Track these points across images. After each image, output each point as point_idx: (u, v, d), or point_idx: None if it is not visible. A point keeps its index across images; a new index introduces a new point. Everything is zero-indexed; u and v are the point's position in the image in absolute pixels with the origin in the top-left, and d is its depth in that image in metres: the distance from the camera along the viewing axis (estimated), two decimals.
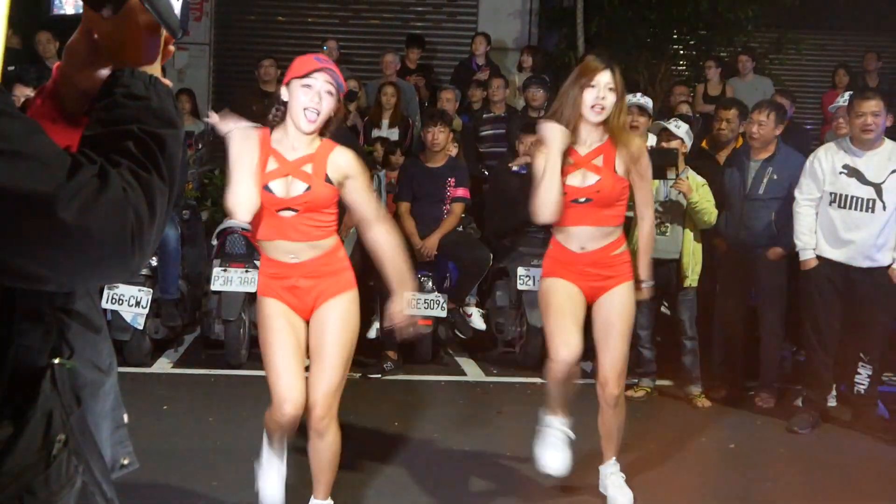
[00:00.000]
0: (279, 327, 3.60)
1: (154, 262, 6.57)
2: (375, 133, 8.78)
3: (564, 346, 4.09)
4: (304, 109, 3.48)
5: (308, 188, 3.53)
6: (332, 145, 3.63)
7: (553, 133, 4.05)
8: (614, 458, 4.43)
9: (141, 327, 6.36)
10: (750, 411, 6.11)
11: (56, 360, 1.51)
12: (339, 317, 3.61)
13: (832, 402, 6.17)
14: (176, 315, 6.72)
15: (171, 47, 1.65)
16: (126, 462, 1.74)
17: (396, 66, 9.85)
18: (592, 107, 4.05)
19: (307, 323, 3.67)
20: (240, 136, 3.52)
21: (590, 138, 4.15)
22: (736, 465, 5.15)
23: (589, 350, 4.32)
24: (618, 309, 4.19)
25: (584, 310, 4.25)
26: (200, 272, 6.98)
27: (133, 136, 1.44)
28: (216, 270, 6.45)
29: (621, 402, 4.31)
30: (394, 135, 8.74)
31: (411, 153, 8.06)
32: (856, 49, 12.09)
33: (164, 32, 1.59)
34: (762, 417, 6.01)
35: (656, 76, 11.33)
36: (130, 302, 6.30)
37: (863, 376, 5.80)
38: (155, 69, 1.58)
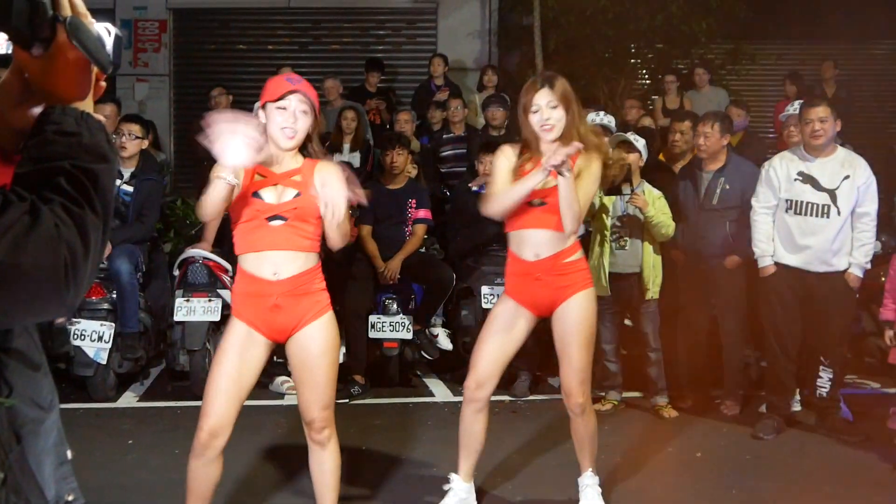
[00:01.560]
0: (231, 354, 3.62)
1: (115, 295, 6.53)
2: (337, 157, 8.78)
3: (474, 369, 4.28)
4: (282, 129, 3.60)
5: (298, 194, 3.61)
6: (316, 161, 3.72)
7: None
8: (591, 469, 4.46)
9: (104, 362, 6.31)
10: (716, 419, 6.17)
11: None
12: (323, 338, 3.67)
13: (797, 407, 6.24)
14: (138, 348, 6.66)
15: (103, 83, 1.67)
16: (70, 498, 1.73)
17: (339, 91, 9.91)
18: (542, 128, 4.10)
19: (279, 343, 3.70)
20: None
21: (550, 151, 4.12)
22: (703, 474, 5.18)
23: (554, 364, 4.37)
24: (575, 319, 4.22)
25: (524, 334, 4.33)
26: (164, 304, 6.93)
27: (65, 172, 1.45)
28: (178, 301, 6.42)
29: (589, 410, 4.35)
30: (355, 159, 8.76)
31: (372, 176, 8.09)
32: (812, 58, 12.27)
33: (95, 68, 1.61)
34: (728, 425, 6.06)
35: (616, 91, 11.44)
36: (93, 337, 6.26)
37: (824, 380, 5.86)
38: (87, 105, 1.59)
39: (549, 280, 4.18)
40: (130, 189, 6.59)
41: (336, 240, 3.62)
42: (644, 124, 8.30)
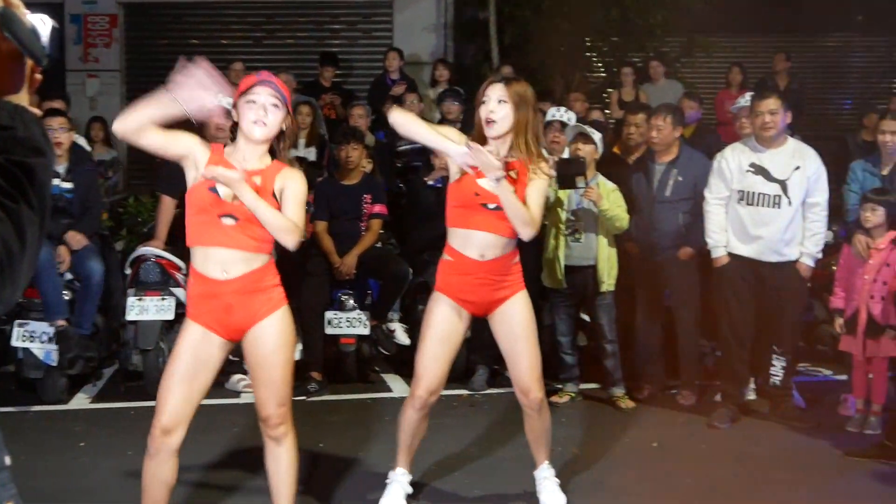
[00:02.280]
0: (185, 355, 3.58)
1: (67, 296, 6.43)
2: (292, 153, 8.73)
3: (424, 377, 4.25)
4: (252, 122, 3.55)
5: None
6: (283, 165, 3.68)
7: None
8: (547, 462, 4.49)
9: (55, 363, 6.21)
10: (672, 409, 6.24)
11: None
12: (277, 334, 3.63)
13: (751, 396, 6.31)
14: (94, 347, 6.58)
15: (38, 75, 1.63)
16: None
17: (293, 86, 9.83)
18: (486, 121, 4.07)
19: (235, 342, 3.67)
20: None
21: (500, 152, 4.10)
22: (659, 464, 5.22)
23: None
24: (519, 318, 4.23)
25: (464, 332, 4.32)
26: (116, 303, 6.83)
27: None
28: (131, 300, 6.32)
29: (545, 405, 4.36)
30: (311, 154, 8.71)
31: (328, 172, 8.05)
32: (764, 50, 12.40)
33: (30, 61, 1.58)
34: (684, 415, 6.12)
35: (571, 85, 11.48)
36: (43, 338, 6.15)
37: (777, 368, 5.93)
38: (21, 98, 1.56)
39: (493, 280, 4.16)
40: (69, 185, 6.48)
41: (282, 239, 3.57)
42: (594, 118, 8.33)
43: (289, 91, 3.70)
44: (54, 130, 6.30)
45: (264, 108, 3.55)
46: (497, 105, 4.05)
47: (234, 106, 3.63)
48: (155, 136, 3.46)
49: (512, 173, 4.07)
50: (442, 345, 4.24)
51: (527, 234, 4.05)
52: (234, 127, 3.66)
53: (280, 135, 3.65)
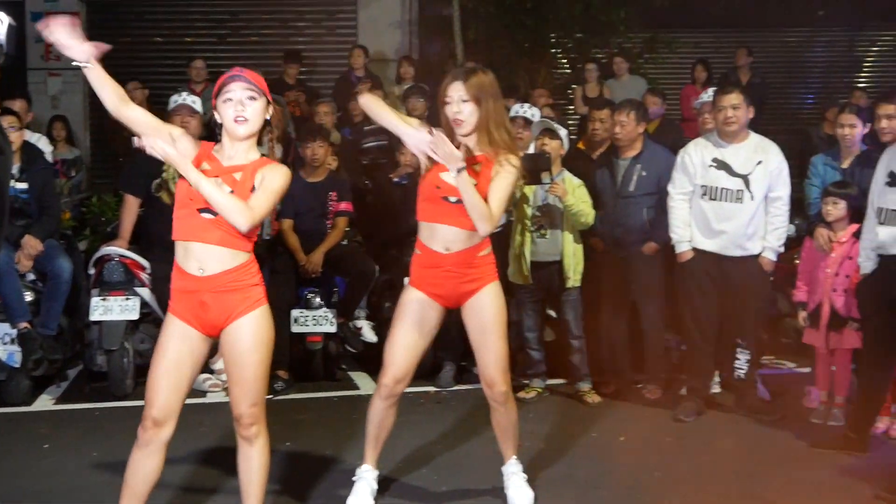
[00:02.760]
0: (167, 348, 3.59)
1: (30, 296, 6.37)
2: (259, 150, 8.68)
3: (392, 365, 4.27)
4: (234, 120, 3.52)
5: (231, 192, 3.51)
6: (267, 161, 3.65)
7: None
8: (514, 457, 4.50)
9: (18, 365, 6.14)
10: (638, 404, 6.27)
11: None
12: (253, 333, 3.61)
13: (716, 389, 6.36)
14: (60, 348, 6.53)
15: None
16: None
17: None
18: (453, 121, 4.08)
19: (214, 338, 3.66)
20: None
21: (469, 148, 4.13)
22: (626, 457, 5.26)
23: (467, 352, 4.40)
24: (489, 311, 4.24)
25: (436, 325, 4.32)
26: (80, 303, 6.77)
27: None
28: (95, 300, 6.27)
29: (510, 398, 4.37)
30: (277, 151, 8.65)
31: (294, 169, 8.01)
32: (727, 45, 12.51)
33: None
34: (650, 409, 6.17)
35: (536, 80, 11.52)
36: (5, 340, 6.09)
37: (741, 361, 5.97)
38: None
39: (459, 272, 4.18)
40: (24, 185, 6.40)
41: (230, 219, 3.47)
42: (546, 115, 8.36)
43: (263, 80, 3.66)
44: (7, 128, 6.23)
45: (241, 103, 3.53)
46: (461, 104, 4.06)
47: (215, 108, 3.60)
48: (137, 113, 3.56)
49: (476, 167, 4.08)
50: (410, 334, 4.26)
51: (483, 228, 4.04)
52: (220, 128, 3.63)
53: (266, 125, 3.63)
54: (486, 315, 4.24)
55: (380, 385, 4.36)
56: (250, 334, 3.60)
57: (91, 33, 12.49)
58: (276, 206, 7.26)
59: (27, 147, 6.60)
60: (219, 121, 3.61)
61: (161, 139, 3.52)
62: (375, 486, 4.51)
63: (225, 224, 3.52)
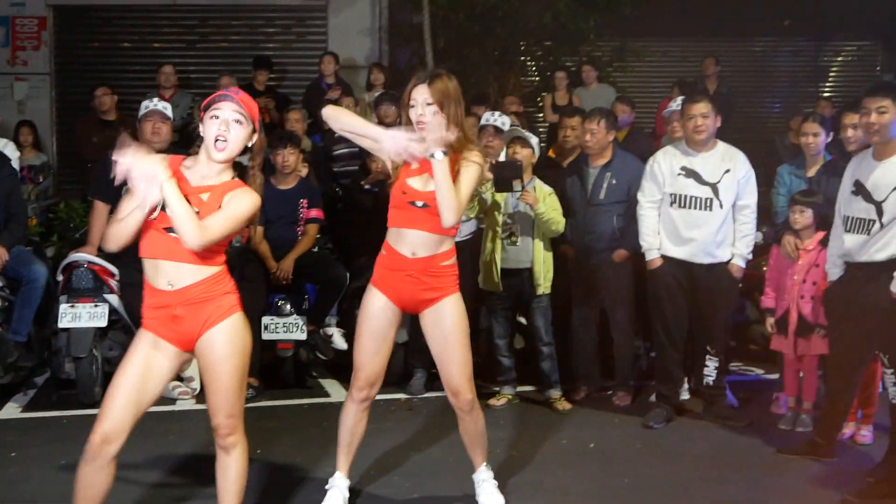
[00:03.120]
0: (135, 363, 3.55)
1: None
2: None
3: (362, 368, 4.31)
4: (215, 140, 3.48)
5: (197, 212, 3.46)
6: (239, 184, 3.58)
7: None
8: (484, 464, 4.52)
9: (13, 360, 6.10)
10: (608, 411, 6.31)
11: None
12: (227, 340, 3.57)
13: (685, 396, 6.41)
14: (29, 356, 6.48)
15: None
16: None
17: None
18: (417, 124, 4.10)
19: (188, 352, 3.63)
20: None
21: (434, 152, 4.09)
22: (596, 464, 5.28)
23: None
24: (450, 320, 4.25)
25: (396, 327, 4.36)
26: (48, 310, 6.71)
27: None
28: (63, 307, 6.21)
29: (476, 406, 4.38)
30: (245, 159, 8.62)
31: (264, 176, 7.97)
32: (695, 55, 12.64)
33: None
34: (620, 416, 6.20)
35: (506, 88, 11.56)
36: None
37: (710, 368, 6.03)
38: None
39: (422, 280, 4.20)
40: None
41: (180, 232, 3.42)
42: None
43: (257, 108, 3.62)
44: None
45: (226, 124, 3.49)
46: (425, 108, 4.09)
47: (201, 120, 3.56)
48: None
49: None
50: (377, 339, 4.29)
51: (449, 219, 4.04)
52: (200, 141, 3.59)
53: (246, 150, 3.59)
54: (448, 324, 4.25)
55: (352, 389, 4.38)
56: (225, 342, 3.57)
57: (58, 38, 12.44)
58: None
59: None
60: (201, 133, 3.57)
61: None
62: (347, 494, 4.51)
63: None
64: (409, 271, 4.19)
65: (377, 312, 4.28)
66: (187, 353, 3.65)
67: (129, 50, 12.22)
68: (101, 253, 6.46)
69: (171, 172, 3.43)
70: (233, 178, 3.60)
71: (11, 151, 7.57)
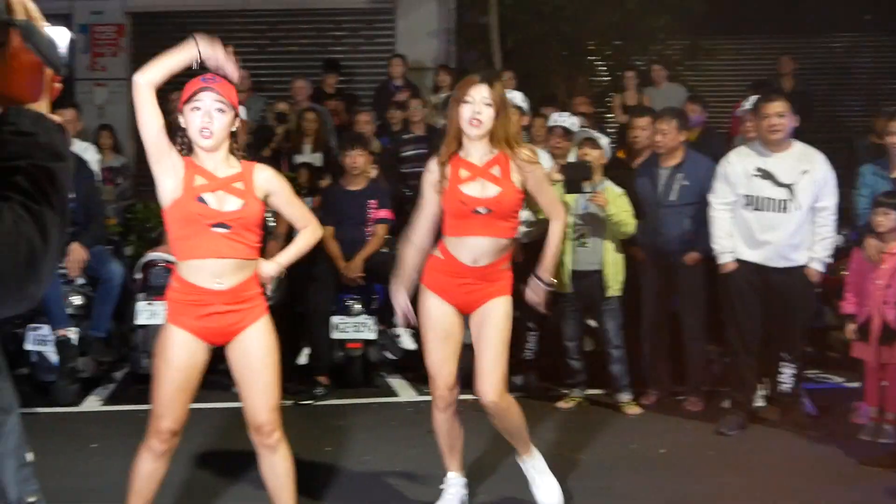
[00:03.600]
0: (177, 363, 3.59)
1: (79, 300, 6.49)
2: (298, 159, 8.76)
3: (439, 376, 4.24)
4: (199, 130, 3.52)
5: (243, 204, 3.56)
6: (253, 164, 3.71)
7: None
8: (526, 454, 4.45)
9: (75, 364, 6.29)
10: (679, 416, 6.20)
11: None
12: (265, 339, 3.68)
13: (761, 403, 6.27)
14: (110, 351, 6.68)
15: (58, 85, 1.69)
16: (32, 500, 1.75)
17: (308, 92, 9.85)
18: (469, 121, 4.04)
19: (218, 347, 3.68)
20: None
21: (478, 151, 4.14)
22: (666, 470, 5.19)
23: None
24: (495, 320, 4.17)
25: (461, 329, 4.29)
26: (127, 307, 6.88)
27: (23, 171, 1.52)
28: (141, 304, 6.41)
29: (503, 408, 4.22)
30: (317, 160, 8.73)
31: (335, 178, 8.06)
32: (769, 52, 12.40)
33: (49, 70, 1.63)
34: (691, 421, 6.09)
35: (574, 88, 11.50)
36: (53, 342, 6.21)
37: (786, 375, 5.88)
38: (42, 106, 1.64)
39: (479, 287, 4.16)
40: (71, 195, 6.49)
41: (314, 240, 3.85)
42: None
43: (234, 91, 3.66)
44: None
45: (209, 115, 3.52)
46: (483, 107, 4.04)
47: (180, 111, 3.59)
48: (152, 101, 3.50)
49: (493, 170, 4.11)
50: (445, 345, 4.23)
51: (561, 226, 4.31)
52: (182, 132, 3.62)
53: (231, 136, 3.65)
54: (490, 325, 4.17)
55: (434, 399, 4.31)
56: (263, 340, 3.67)
57: (135, 44, 12.71)
58: (316, 213, 7.35)
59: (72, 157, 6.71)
60: (182, 125, 3.59)
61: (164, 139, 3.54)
62: (465, 492, 4.46)
63: (241, 235, 3.56)
64: (467, 278, 4.14)
65: (440, 318, 4.22)
66: (214, 347, 3.70)
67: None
68: None
69: (191, 169, 3.56)
70: (238, 159, 3.68)
71: (92, 155, 7.79)
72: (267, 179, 3.67)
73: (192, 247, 3.55)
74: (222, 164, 3.62)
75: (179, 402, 3.59)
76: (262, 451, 3.73)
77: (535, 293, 4.37)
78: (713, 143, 8.11)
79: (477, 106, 4.04)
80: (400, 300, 4.30)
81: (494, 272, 4.17)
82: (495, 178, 4.09)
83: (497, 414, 4.26)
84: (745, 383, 5.97)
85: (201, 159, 3.61)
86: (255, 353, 3.65)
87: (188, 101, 3.54)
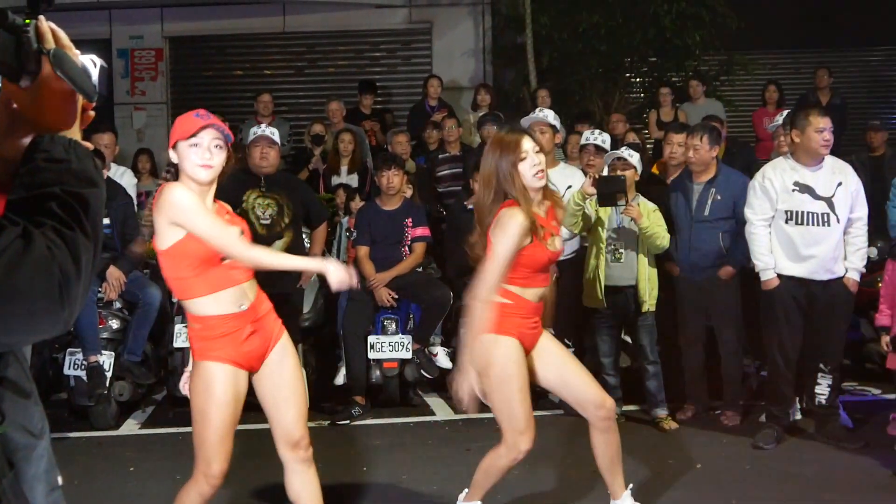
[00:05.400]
0: (226, 399, 3.58)
1: (116, 324, 6.58)
2: (335, 180, 8.86)
3: (529, 428, 4.02)
4: (198, 166, 3.54)
5: (241, 231, 3.64)
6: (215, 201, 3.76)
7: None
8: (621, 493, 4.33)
9: (105, 391, 6.34)
10: (716, 430, 6.17)
11: None
12: (293, 353, 3.78)
13: (797, 416, 6.23)
14: (147, 374, 6.74)
15: (91, 112, 1.73)
16: None
17: (343, 113, 9.96)
18: (535, 175, 3.95)
19: (255, 371, 3.70)
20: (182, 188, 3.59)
21: (540, 204, 4.09)
22: (704, 485, 5.18)
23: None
24: (560, 347, 4.27)
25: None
26: (164, 331, 6.97)
27: (56, 197, 1.52)
28: (178, 327, 6.46)
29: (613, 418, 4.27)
30: (353, 181, 8.82)
31: (371, 198, 8.13)
32: (805, 66, 12.33)
33: (81, 98, 1.67)
34: (728, 436, 6.06)
35: (610, 105, 11.51)
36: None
37: (823, 386, 5.85)
38: (74, 133, 1.66)
39: (538, 322, 4.16)
40: (107, 220, 6.63)
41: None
42: (630, 140, 8.33)
43: (228, 130, 3.68)
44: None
45: (209, 150, 3.55)
46: (538, 156, 3.99)
47: (173, 147, 3.60)
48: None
49: (555, 223, 4.17)
50: (528, 392, 4.06)
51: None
52: (173, 168, 3.65)
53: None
54: (558, 352, 4.22)
55: (523, 452, 4.07)
56: (292, 355, 3.77)
57: (174, 68, 12.92)
58: (351, 233, 7.42)
59: (108, 183, 6.82)
60: (174, 160, 3.61)
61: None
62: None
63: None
64: (535, 318, 4.10)
65: (521, 367, 4.02)
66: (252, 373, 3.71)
67: (241, 77, 12.64)
68: None
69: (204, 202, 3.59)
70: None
71: (129, 179, 7.92)
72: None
73: (207, 282, 3.57)
74: (206, 194, 3.63)
75: (229, 440, 3.61)
76: (298, 466, 3.73)
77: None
78: (743, 157, 8.07)
79: (533, 158, 3.96)
80: (471, 379, 3.90)
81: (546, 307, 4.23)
82: (556, 229, 4.14)
83: (612, 424, 4.20)
84: (782, 397, 5.93)
85: (194, 190, 3.61)
86: (285, 371, 3.69)
87: (187, 137, 3.56)
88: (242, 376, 3.65)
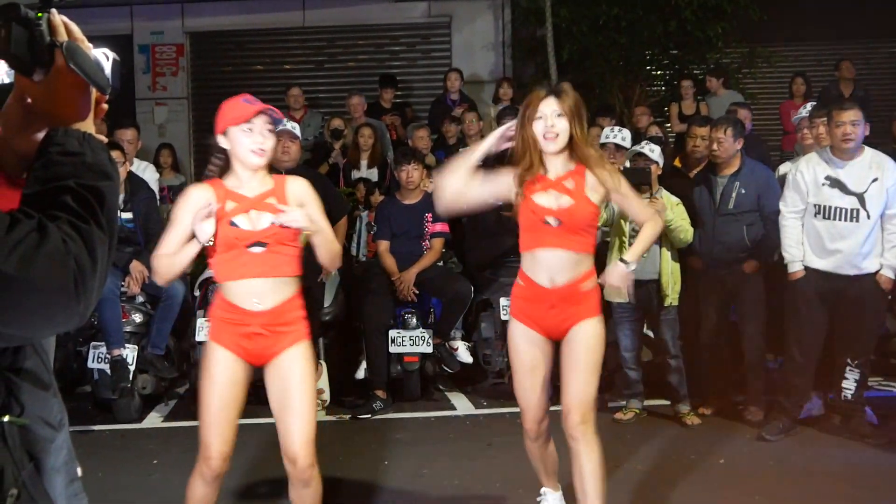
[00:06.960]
0: (222, 380, 3.60)
1: (139, 318, 6.61)
2: (355, 174, 8.85)
3: (529, 409, 4.07)
4: (251, 150, 3.57)
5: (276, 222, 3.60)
6: (285, 177, 3.77)
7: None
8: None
9: (128, 384, 6.37)
10: (739, 425, 6.14)
11: (6, 418, 1.56)
12: (301, 367, 3.64)
13: (815, 412, 6.19)
14: (170, 368, 6.78)
15: (104, 105, 1.72)
16: None
17: (363, 107, 9.95)
18: (544, 136, 3.90)
19: (257, 367, 3.69)
20: (192, 194, 3.63)
21: (555, 167, 3.98)
22: (725, 480, 5.14)
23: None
24: (585, 343, 3.94)
25: (550, 358, 4.09)
26: (187, 324, 7.00)
27: (70, 191, 1.52)
28: (200, 321, 6.50)
29: (589, 437, 3.89)
30: (373, 175, 8.81)
31: (390, 192, 8.13)
32: (828, 58, 12.20)
33: (95, 91, 1.66)
34: (752, 431, 6.02)
35: (631, 98, 11.45)
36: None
37: (850, 381, 5.80)
38: (87, 126, 1.66)
39: (564, 308, 3.97)
40: (129, 215, 6.65)
41: (326, 261, 3.75)
42: (652, 133, 8.28)
43: (279, 113, 3.71)
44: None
45: (262, 135, 3.58)
46: (556, 119, 3.90)
47: (223, 133, 3.61)
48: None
49: (567, 182, 3.96)
50: (532, 375, 4.05)
51: (658, 224, 4.32)
52: (223, 153, 3.65)
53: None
54: (580, 347, 3.96)
55: (525, 430, 4.15)
56: (301, 365, 3.63)
57: (195, 63, 12.93)
58: (372, 227, 7.42)
59: (131, 177, 6.85)
60: (224, 146, 3.62)
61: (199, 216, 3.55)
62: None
63: (278, 253, 3.58)
64: (550, 301, 3.95)
65: (525, 348, 4.05)
66: (255, 367, 3.70)
67: (261, 72, 12.65)
68: None
69: (222, 194, 3.59)
70: (268, 174, 3.72)
71: (151, 174, 7.95)
72: (299, 189, 3.71)
73: (232, 268, 3.59)
74: (258, 180, 3.66)
75: (226, 421, 3.58)
76: (296, 483, 3.66)
77: (619, 277, 4.18)
78: (757, 150, 7.99)
79: (549, 119, 3.90)
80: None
81: (575, 293, 3.94)
82: (568, 191, 3.93)
83: (583, 438, 3.87)
84: (794, 389, 5.89)
85: (238, 179, 3.64)
86: (291, 377, 3.62)
87: (240, 123, 3.57)
88: (241, 366, 3.63)
